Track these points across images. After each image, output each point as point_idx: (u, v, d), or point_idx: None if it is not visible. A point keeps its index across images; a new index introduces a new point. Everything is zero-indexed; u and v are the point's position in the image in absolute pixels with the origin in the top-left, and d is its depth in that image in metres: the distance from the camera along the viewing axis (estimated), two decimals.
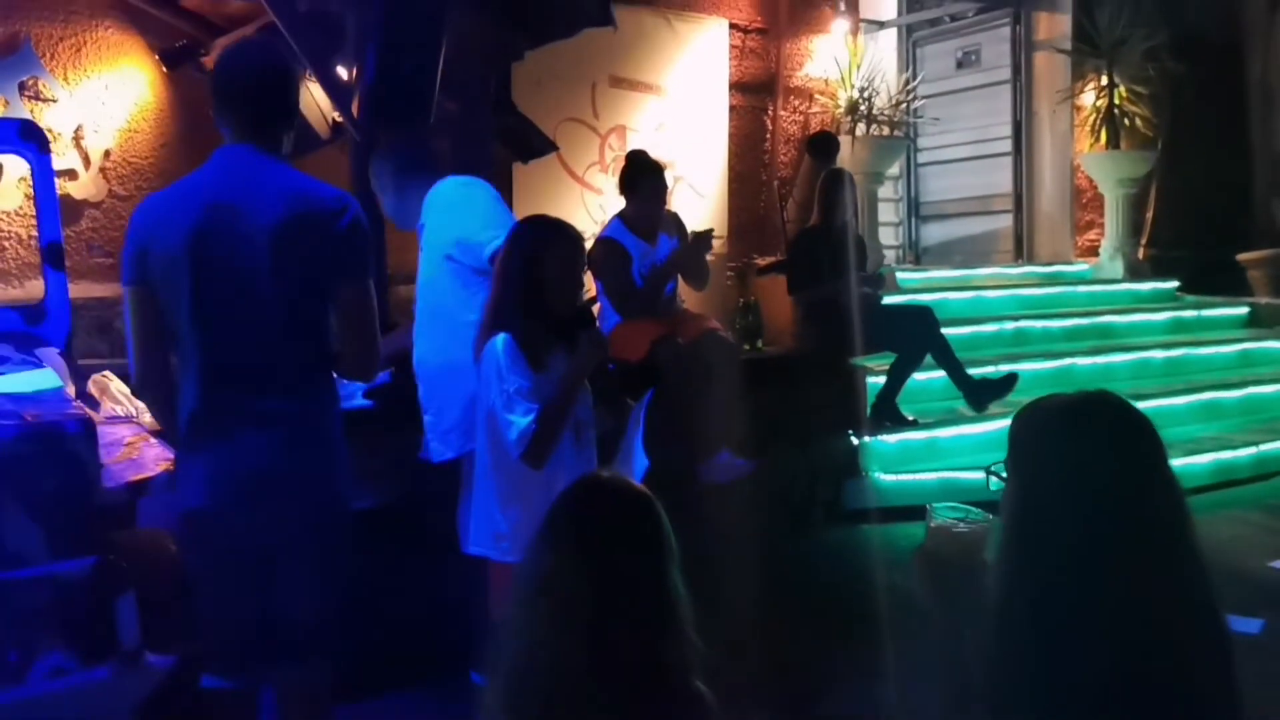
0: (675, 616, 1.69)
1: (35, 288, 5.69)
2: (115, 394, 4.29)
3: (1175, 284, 8.80)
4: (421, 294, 3.67)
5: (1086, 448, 1.69)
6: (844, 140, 7.74)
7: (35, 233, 5.83)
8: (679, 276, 5.32)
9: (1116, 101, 8.87)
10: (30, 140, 3.95)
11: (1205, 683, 1.64)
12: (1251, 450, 6.67)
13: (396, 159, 3.87)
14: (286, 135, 2.74)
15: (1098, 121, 8.97)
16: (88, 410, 3.41)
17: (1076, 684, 1.61)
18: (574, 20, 5.23)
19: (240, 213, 2.57)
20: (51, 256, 4.07)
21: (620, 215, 5.19)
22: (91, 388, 4.28)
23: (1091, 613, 1.62)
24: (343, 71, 4.85)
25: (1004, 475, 1.77)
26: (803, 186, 7.01)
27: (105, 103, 6.24)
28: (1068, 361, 7.23)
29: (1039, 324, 7.75)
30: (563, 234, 3.17)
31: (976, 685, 1.71)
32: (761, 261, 7.30)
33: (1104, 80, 8.91)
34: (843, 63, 8.15)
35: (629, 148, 7.33)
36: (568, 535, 1.70)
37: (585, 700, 1.62)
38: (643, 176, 5.16)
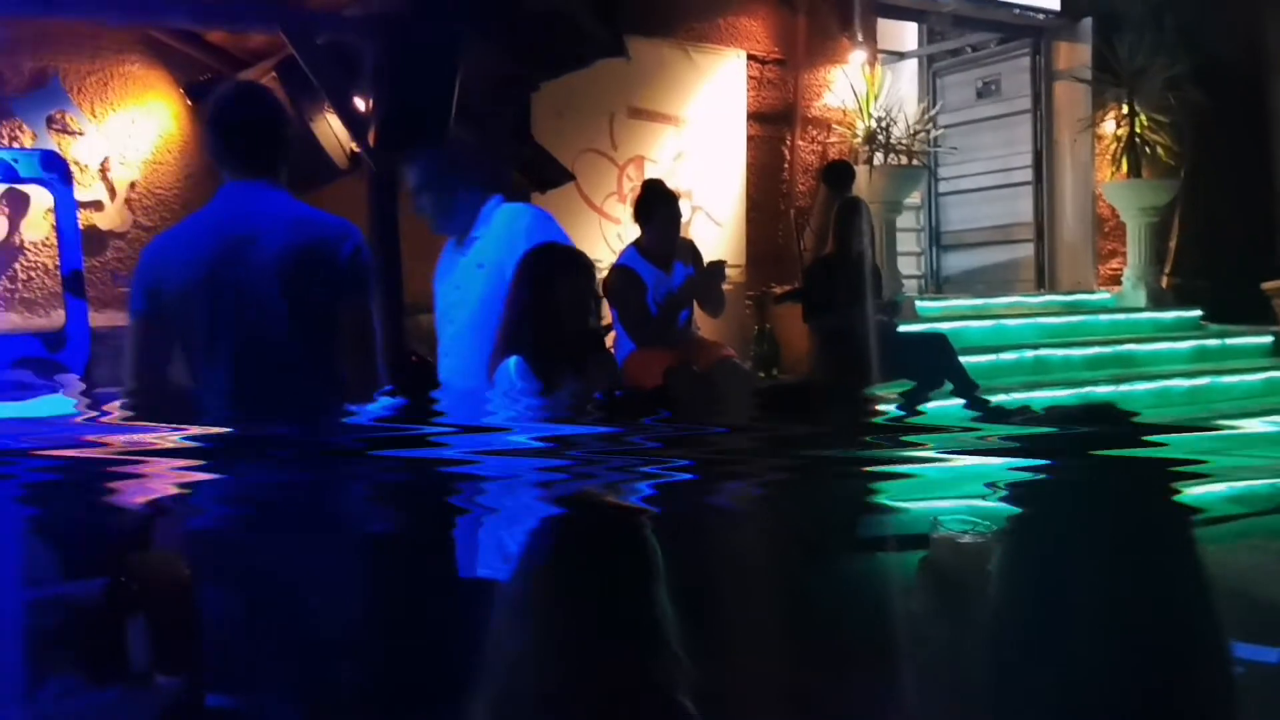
0: (662, 635, 1.71)
1: (60, 317, 5.78)
2: None
3: (1199, 312, 8.74)
4: (467, 325, 3.47)
5: None
6: (861, 170, 7.76)
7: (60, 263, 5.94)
8: (695, 305, 5.35)
9: (1138, 130, 8.87)
10: (53, 171, 4.03)
11: (1205, 702, 1.64)
12: (1274, 480, 6.59)
13: (451, 156, 3.69)
14: (284, 167, 2.82)
15: (1119, 150, 8.97)
16: None
17: (1071, 697, 1.61)
18: (586, 52, 5.29)
19: (251, 244, 2.67)
20: (72, 285, 4.14)
21: (635, 243, 5.24)
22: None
23: (1082, 624, 1.62)
24: (359, 103, 4.93)
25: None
26: (818, 216, 7.04)
27: (131, 135, 6.35)
28: (1089, 390, 7.20)
29: (1060, 352, 7.72)
30: (574, 260, 3.22)
31: (978, 696, 1.71)
32: (779, 290, 7.32)
33: (1125, 109, 8.91)
34: (860, 93, 8.18)
35: (647, 178, 7.43)
36: (554, 553, 1.72)
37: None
38: (658, 205, 5.21)
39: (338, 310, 2.72)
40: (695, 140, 7.66)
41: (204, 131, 2.90)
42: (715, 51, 7.79)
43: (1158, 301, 8.90)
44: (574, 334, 3.13)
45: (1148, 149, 8.88)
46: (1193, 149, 9.04)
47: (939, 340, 6.23)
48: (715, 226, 7.64)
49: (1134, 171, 8.91)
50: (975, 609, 1.78)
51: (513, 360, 3.04)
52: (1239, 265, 9.00)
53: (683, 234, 6.11)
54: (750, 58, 7.98)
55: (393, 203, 5.05)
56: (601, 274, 4.59)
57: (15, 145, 5.94)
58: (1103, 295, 9.10)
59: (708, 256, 5.79)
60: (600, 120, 7.23)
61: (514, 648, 1.68)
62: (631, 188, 7.29)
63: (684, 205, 7.10)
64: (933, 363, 6.06)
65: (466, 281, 3.46)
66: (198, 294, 2.66)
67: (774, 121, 8.14)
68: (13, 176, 4.29)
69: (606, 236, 7.23)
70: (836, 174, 7.15)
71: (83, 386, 4.08)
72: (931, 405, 6.20)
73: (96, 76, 6.28)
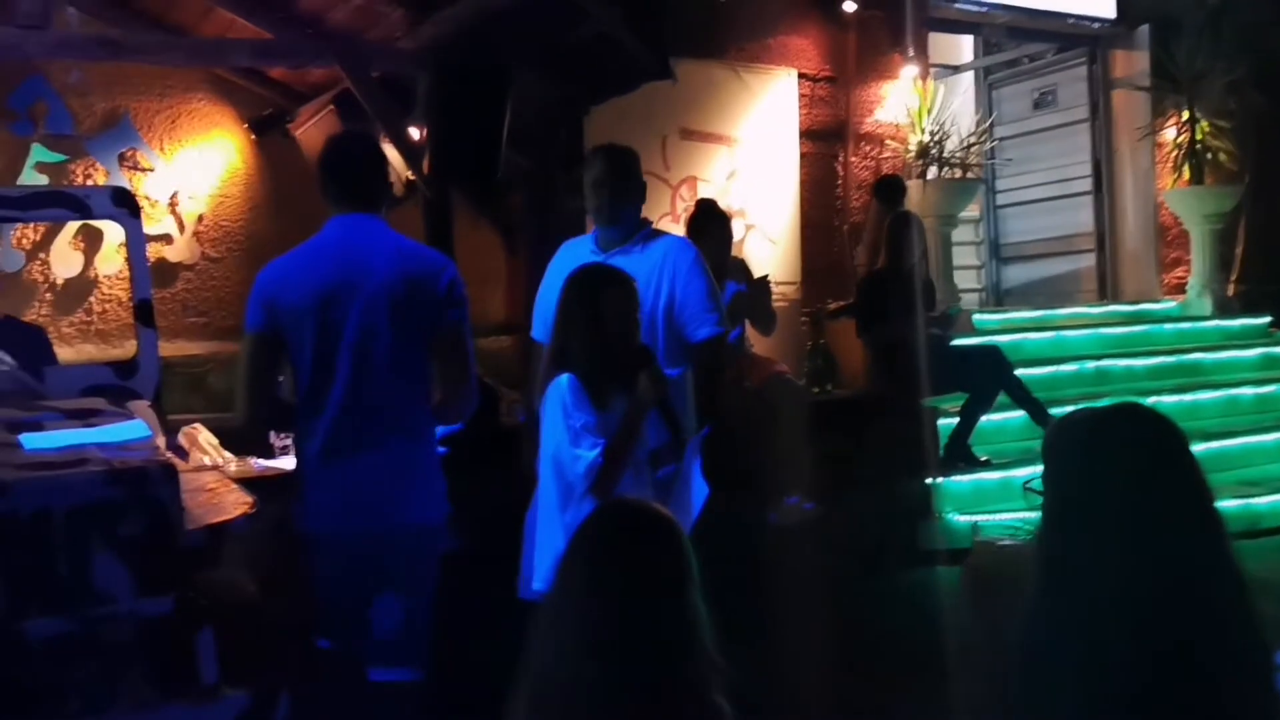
0: (696, 635, 1.76)
1: (134, 348, 5.99)
2: (204, 445, 4.50)
3: (1267, 319, 8.59)
4: None
5: (1103, 457, 1.72)
6: (914, 184, 7.75)
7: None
8: (747, 322, 5.40)
9: (1199, 136, 8.75)
10: (122, 206, 4.19)
11: (1238, 699, 1.65)
12: None
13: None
14: (387, 204, 3.22)
15: (1180, 157, 8.85)
16: (173, 458, 3.59)
17: (1104, 697, 1.63)
18: (633, 75, 5.38)
19: (361, 270, 3.01)
20: (142, 314, 4.30)
21: None
22: (182, 439, 4.49)
23: (1117, 623, 1.63)
24: (414, 132, 5.07)
25: (1041, 490, 1.81)
26: (871, 231, 7.06)
27: (198, 170, 6.57)
28: (1153, 399, 7.10)
29: (1121, 362, 7.64)
30: (617, 281, 3.29)
31: (1015, 698, 1.73)
32: (833, 305, 7.34)
33: (1185, 115, 8.80)
34: (913, 107, 8.18)
35: (700, 198, 7.49)
36: (592, 555, 1.79)
37: (607, 718, 1.69)
38: (709, 223, 5.28)
39: (438, 333, 3.05)
40: (748, 159, 7.71)
41: (318, 171, 3.20)
42: (766, 71, 7.85)
43: (1224, 309, 8.76)
44: (621, 352, 3.20)
45: (1209, 155, 8.76)
46: (1256, 153, 8.90)
47: (993, 353, 6.21)
48: (770, 244, 7.67)
49: (1196, 178, 8.78)
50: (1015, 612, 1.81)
51: (565, 378, 3.13)
52: None
53: (736, 252, 6.18)
54: (801, 76, 8.02)
55: (447, 229, 5.19)
56: None
57: (90, 183, 6.19)
58: (1167, 304, 8.98)
59: (761, 273, 5.85)
60: (653, 142, 7.31)
61: (553, 647, 1.74)
62: (685, 208, 7.36)
63: (738, 224, 7.15)
64: (987, 376, 6.04)
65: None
66: (311, 313, 2.98)
67: (826, 138, 8.17)
68: (86, 213, 4.48)
69: None
70: (888, 189, 7.16)
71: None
72: (986, 418, 6.19)
73: (165, 114, 6.51)
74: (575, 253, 3.74)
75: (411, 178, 5.18)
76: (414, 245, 3.17)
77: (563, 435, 3.08)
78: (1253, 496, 6.20)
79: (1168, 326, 8.48)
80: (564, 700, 1.70)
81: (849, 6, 8.03)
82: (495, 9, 4.61)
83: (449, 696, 3.67)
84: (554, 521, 3.21)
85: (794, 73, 7.97)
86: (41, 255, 6.20)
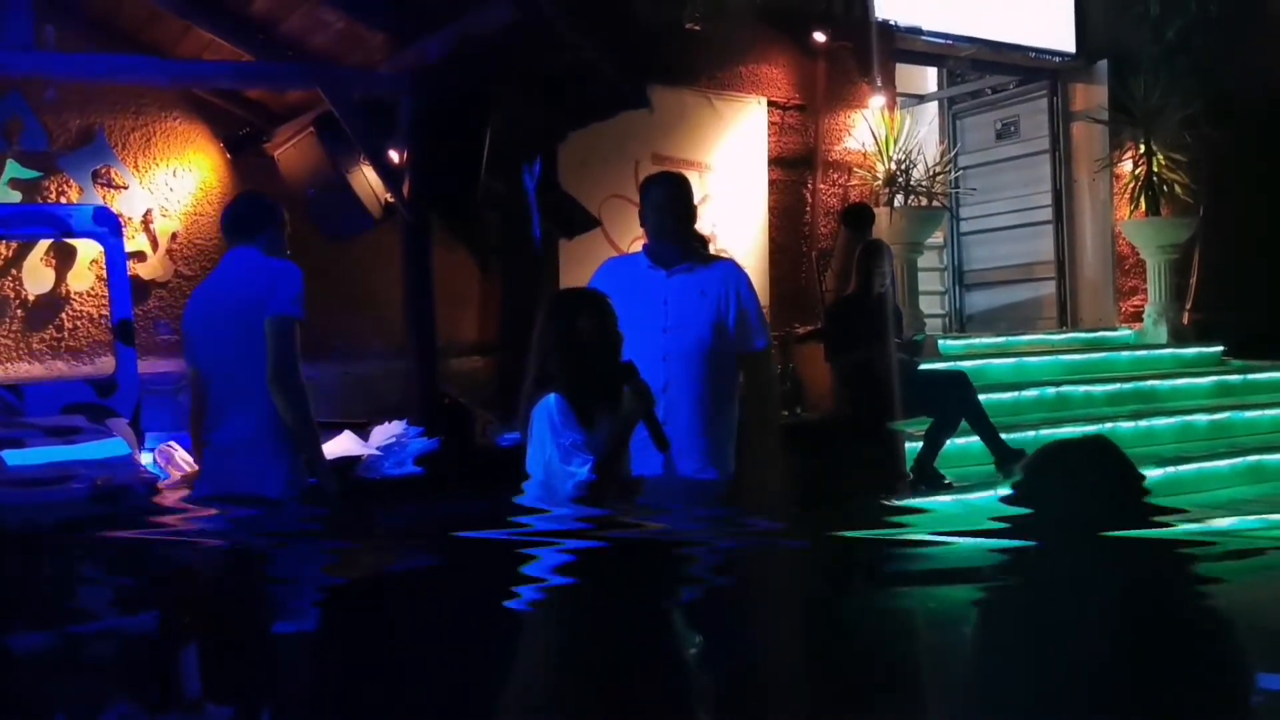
0: (682, 654, 1.83)
1: (106, 365, 5.98)
2: (179, 462, 4.53)
3: (1220, 348, 8.80)
4: (694, 341, 3.80)
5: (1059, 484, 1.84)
6: (882, 211, 7.90)
7: (106, 312, 6.15)
8: None
9: (1155, 169, 8.98)
10: (104, 225, 4.23)
11: None
12: None
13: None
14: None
15: (1137, 189, 9.07)
16: (152, 475, 3.62)
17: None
18: (610, 103, 5.48)
19: None
20: (122, 333, 4.33)
21: None
22: (158, 456, 4.52)
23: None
24: (394, 155, 5.13)
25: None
26: (840, 257, 7.18)
27: (173, 188, 6.58)
28: (1110, 425, 7.26)
29: (1081, 388, 7.80)
30: (594, 302, 3.38)
31: None
32: (801, 330, 7.45)
33: (1142, 148, 9.03)
34: (880, 136, 8.34)
35: None
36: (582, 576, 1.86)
37: None
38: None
39: None
40: (718, 185, 7.82)
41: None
42: (737, 99, 7.98)
43: (1179, 337, 8.97)
44: (603, 369, 3.29)
45: (1165, 187, 8.99)
46: (1210, 186, 9.14)
47: (959, 379, 6.34)
48: None
49: (1152, 209, 9.01)
50: None
51: (552, 398, 3.20)
52: (1260, 300, 9.06)
53: None
54: (771, 104, 8.16)
55: (426, 250, 5.24)
56: None
57: (63, 200, 6.19)
58: (1124, 332, 9.18)
59: None
60: (625, 166, 7.41)
61: (543, 668, 1.80)
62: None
63: (709, 249, 7.25)
64: (953, 400, 6.16)
65: (680, 300, 3.89)
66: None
67: (795, 166, 8.31)
68: (68, 232, 4.50)
69: None
70: (857, 216, 7.29)
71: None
72: (951, 441, 6.30)
73: (140, 132, 6.52)
74: (628, 271, 3.94)
75: (391, 200, 5.24)
76: None
77: (553, 453, 3.15)
78: (1207, 519, 6.35)
79: (1125, 354, 8.67)
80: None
81: (819, 37, 8.18)
82: (477, 36, 4.69)
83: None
84: None
85: (764, 101, 8.11)
86: (13, 271, 6.19)
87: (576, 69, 4.99)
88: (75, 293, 6.33)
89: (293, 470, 3.73)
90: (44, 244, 6.14)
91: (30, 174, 6.20)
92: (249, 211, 4.11)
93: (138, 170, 6.50)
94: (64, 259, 6.26)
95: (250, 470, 3.69)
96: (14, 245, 6.10)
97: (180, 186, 6.60)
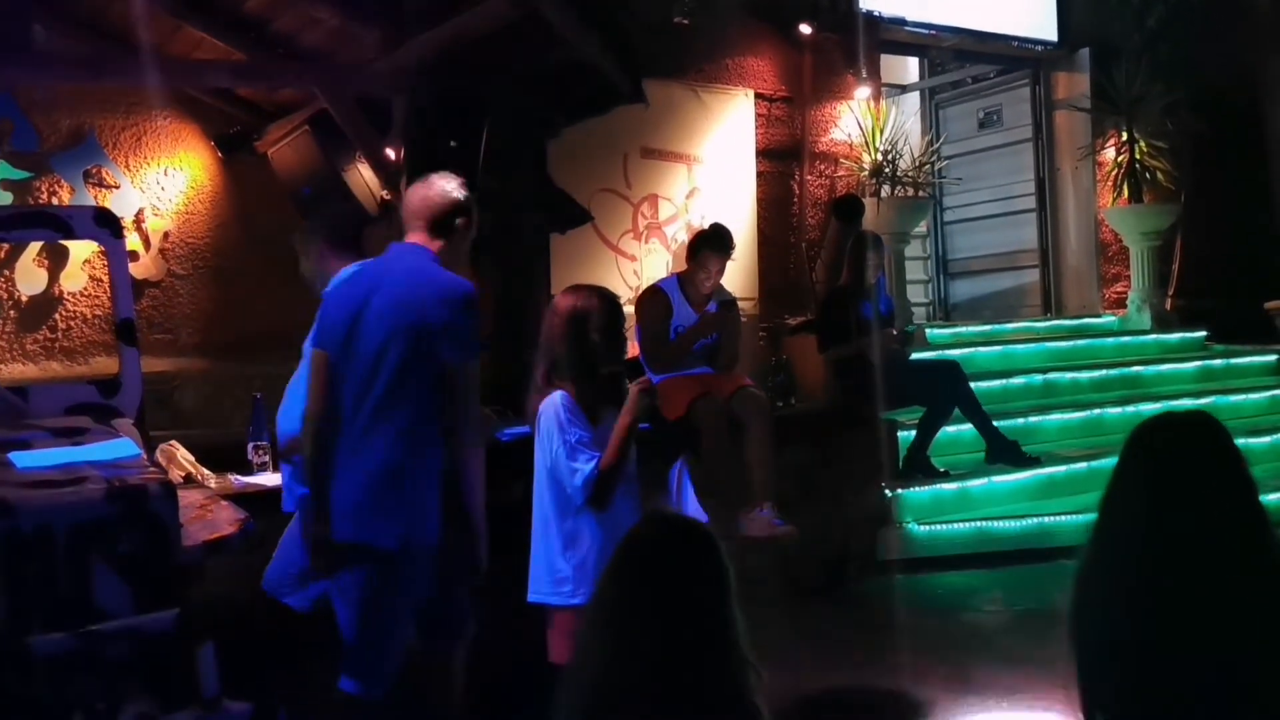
0: (735, 642, 1.86)
1: (100, 364, 5.98)
2: (181, 461, 4.54)
3: (1203, 333, 8.90)
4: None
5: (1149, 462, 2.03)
6: (869, 202, 7.95)
7: (99, 312, 6.16)
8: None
9: (1137, 157, 9.04)
10: (105, 226, 4.23)
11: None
12: None
13: None
14: None
15: (1119, 176, 9.14)
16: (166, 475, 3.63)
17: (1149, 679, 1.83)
18: (607, 98, 5.50)
19: None
20: (124, 333, 4.33)
21: (679, 274, 5.52)
22: (159, 456, 4.52)
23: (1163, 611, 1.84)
24: (390, 152, 5.14)
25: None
26: (830, 248, 7.23)
27: (164, 188, 6.58)
28: (1096, 411, 7.35)
29: (1067, 375, 7.88)
30: (602, 299, 3.41)
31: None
32: (792, 321, 7.49)
33: (1124, 136, 9.10)
34: (866, 127, 8.39)
35: (661, 215, 7.63)
36: (639, 567, 1.88)
37: None
38: (707, 245, 5.44)
39: None
40: (707, 177, 7.87)
41: None
42: (724, 91, 8.02)
43: (1162, 323, 9.05)
44: (609, 367, 3.33)
45: (1148, 175, 9.06)
46: (1192, 173, 9.23)
47: (952, 367, 6.41)
48: (729, 261, 7.82)
49: (1135, 197, 9.09)
50: None
51: (558, 395, 3.25)
52: (1242, 286, 9.16)
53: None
54: (758, 96, 8.20)
55: None
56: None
57: (54, 200, 6.18)
58: (1108, 318, 9.26)
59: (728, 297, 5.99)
60: (615, 160, 7.44)
61: (598, 655, 1.83)
62: (646, 224, 7.54)
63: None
64: (945, 389, 6.23)
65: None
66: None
67: (783, 157, 8.35)
68: (69, 234, 4.50)
69: (623, 273, 7.42)
70: (847, 207, 7.34)
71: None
72: (944, 430, 6.37)
73: (131, 132, 6.51)
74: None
75: (387, 197, 5.25)
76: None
77: (559, 449, 3.19)
78: None
79: (1109, 340, 8.75)
80: (610, 705, 1.79)
81: (805, 29, 8.22)
82: (473, 33, 4.70)
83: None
84: (548, 532, 3.31)
85: (751, 93, 8.15)
86: (5, 272, 6.18)
87: (574, 65, 5.02)
88: (68, 293, 6.33)
89: None
90: (35, 245, 6.14)
91: (21, 174, 6.19)
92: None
93: (129, 170, 6.50)
94: (56, 259, 6.26)
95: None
96: (6, 247, 6.09)
97: (172, 185, 6.61)
